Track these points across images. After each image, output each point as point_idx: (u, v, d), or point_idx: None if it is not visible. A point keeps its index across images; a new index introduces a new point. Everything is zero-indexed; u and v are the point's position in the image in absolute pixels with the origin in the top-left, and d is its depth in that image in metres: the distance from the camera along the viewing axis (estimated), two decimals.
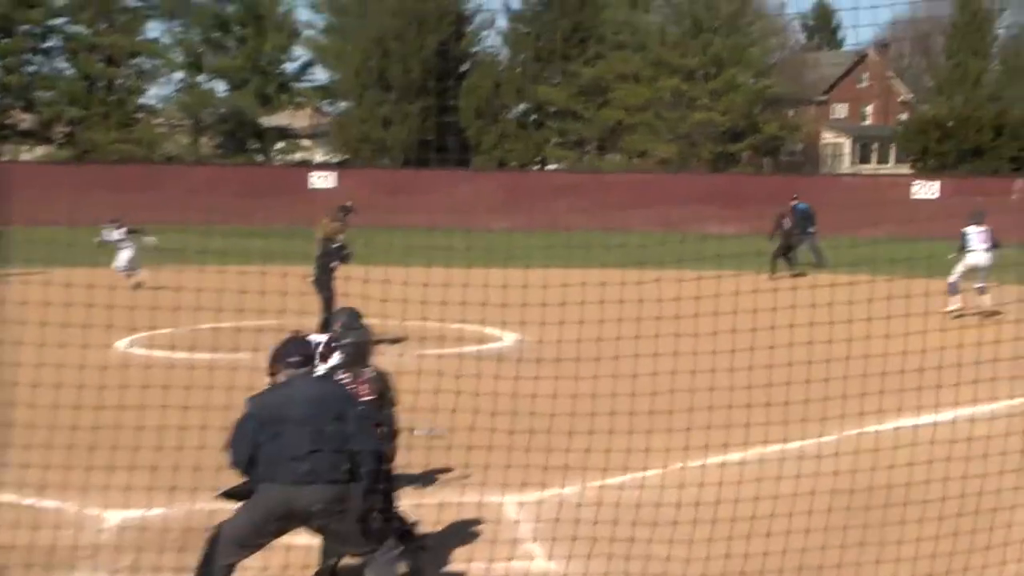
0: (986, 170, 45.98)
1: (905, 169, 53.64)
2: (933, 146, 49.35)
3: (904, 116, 62.09)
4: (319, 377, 5.98)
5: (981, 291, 17.30)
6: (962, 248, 17.39)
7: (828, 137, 68.36)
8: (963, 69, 57.01)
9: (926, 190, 38.66)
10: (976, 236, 17.42)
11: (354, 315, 6.62)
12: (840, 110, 72.27)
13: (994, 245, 17.31)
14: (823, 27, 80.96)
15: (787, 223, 24.05)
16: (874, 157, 67.39)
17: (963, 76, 56.93)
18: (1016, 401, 9.85)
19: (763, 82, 55.31)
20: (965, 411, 9.24)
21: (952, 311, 16.64)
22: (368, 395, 6.22)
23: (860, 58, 71.97)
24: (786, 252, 23.60)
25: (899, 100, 70.83)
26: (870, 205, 30.98)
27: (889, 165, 62.94)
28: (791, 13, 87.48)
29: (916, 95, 68.10)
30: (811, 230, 24.78)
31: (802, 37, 79.42)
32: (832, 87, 70.63)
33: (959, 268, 17.37)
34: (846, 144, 67.37)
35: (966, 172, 45.85)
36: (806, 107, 63.68)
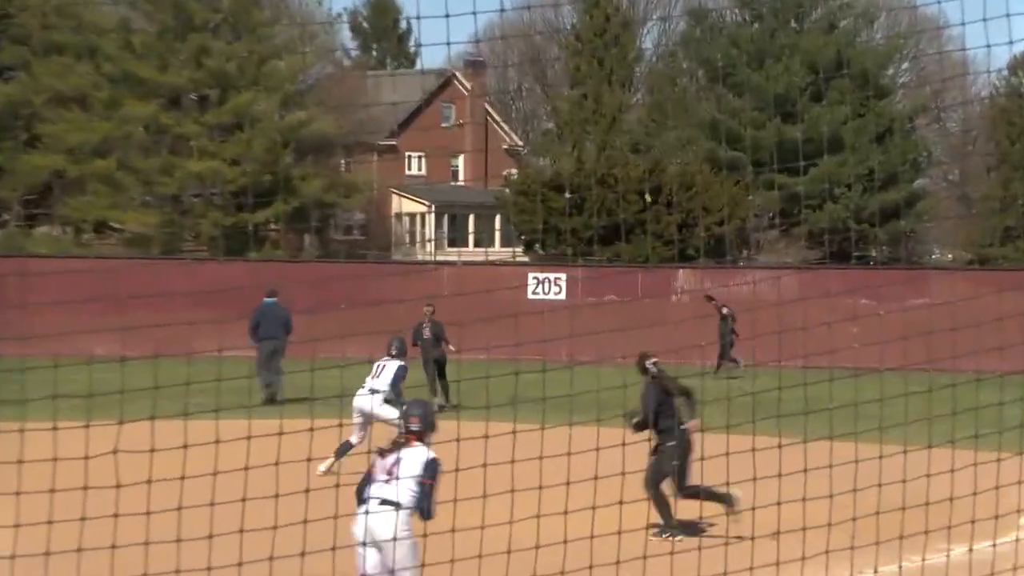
0: (633, 257, 49.08)
1: (518, 254, 56.24)
2: (555, 220, 52.14)
3: (513, 174, 65.41)
4: None
5: (359, 439, 18.83)
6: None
7: (402, 205, 70.58)
8: (595, 103, 61.26)
9: (547, 287, 40.46)
10: (375, 370, 19.54)
11: None
12: (417, 164, 75.13)
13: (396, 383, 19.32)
14: (384, 33, 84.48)
15: (426, 332, 26.78)
16: (470, 237, 70.48)
17: (595, 114, 61.14)
18: None
19: (296, 115, 56.41)
20: None
21: (323, 472, 17.35)
22: None
23: (443, 83, 75.52)
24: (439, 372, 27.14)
25: (504, 149, 74.86)
26: (474, 317, 31.80)
27: (495, 248, 65.99)
28: (337, 11, 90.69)
29: (529, 143, 72.35)
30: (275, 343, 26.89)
31: (352, 47, 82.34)
32: (403, 127, 73.38)
33: (354, 414, 19.18)
34: (428, 216, 69.95)
35: (603, 260, 48.67)
36: (366, 157, 65.59)
